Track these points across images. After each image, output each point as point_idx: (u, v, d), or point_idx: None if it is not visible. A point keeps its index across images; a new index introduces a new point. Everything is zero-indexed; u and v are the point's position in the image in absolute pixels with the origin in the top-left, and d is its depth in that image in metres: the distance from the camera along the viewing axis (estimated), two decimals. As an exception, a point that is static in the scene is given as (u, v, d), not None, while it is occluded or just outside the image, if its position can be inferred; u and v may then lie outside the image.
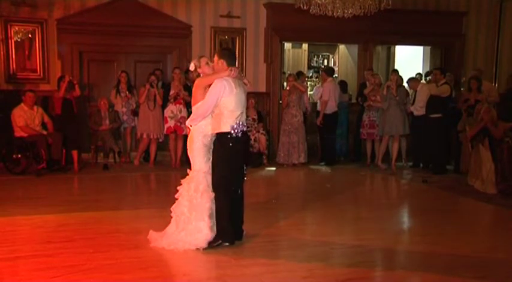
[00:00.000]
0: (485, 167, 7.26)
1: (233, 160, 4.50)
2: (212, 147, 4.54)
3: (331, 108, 9.37)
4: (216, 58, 4.61)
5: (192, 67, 4.69)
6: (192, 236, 4.37)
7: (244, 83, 4.73)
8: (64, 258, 4.14)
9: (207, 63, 4.63)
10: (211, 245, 4.40)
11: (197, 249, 4.35)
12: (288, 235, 4.94)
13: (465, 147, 8.38)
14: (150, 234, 4.56)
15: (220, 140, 4.48)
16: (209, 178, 4.50)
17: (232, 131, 4.45)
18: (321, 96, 9.49)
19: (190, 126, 4.58)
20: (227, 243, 4.46)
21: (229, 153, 4.47)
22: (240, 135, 4.49)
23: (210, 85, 4.49)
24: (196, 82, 4.61)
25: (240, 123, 4.51)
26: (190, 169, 4.61)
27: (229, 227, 4.49)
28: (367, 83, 9.70)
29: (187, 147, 4.64)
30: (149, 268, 3.98)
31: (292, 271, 3.99)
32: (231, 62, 4.61)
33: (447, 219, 5.78)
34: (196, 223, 4.41)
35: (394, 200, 7.35)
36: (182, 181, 4.62)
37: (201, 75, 4.65)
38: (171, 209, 4.58)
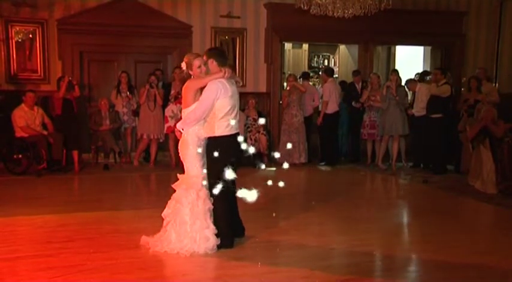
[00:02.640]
0: (485, 167, 7.25)
1: (229, 162, 4.43)
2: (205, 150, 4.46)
3: (332, 108, 9.39)
4: (205, 58, 4.48)
5: (183, 66, 4.51)
6: (197, 244, 4.30)
7: (236, 81, 4.67)
8: (64, 258, 4.15)
9: (199, 67, 4.43)
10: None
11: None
12: (288, 235, 4.94)
13: (465, 148, 8.38)
14: (142, 240, 4.47)
15: (216, 143, 4.40)
16: (206, 183, 4.43)
17: (228, 133, 4.41)
18: (322, 97, 9.53)
19: (182, 129, 4.42)
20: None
21: (225, 156, 4.37)
22: (235, 136, 4.45)
23: (202, 87, 4.38)
24: (187, 84, 4.45)
25: (235, 124, 4.48)
26: (183, 174, 4.52)
27: (229, 231, 4.48)
28: (357, 85, 9.75)
29: (181, 152, 4.49)
30: (149, 268, 3.98)
31: (292, 271, 4.00)
32: (222, 61, 4.51)
33: (447, 220, 5.78)
34: (202, 232, 4.32)
35: (395, 200, 7.34)
36: (174, 186, 4.51)
37: (192, 76, 4.51)
38: (164, 215, 4.48)
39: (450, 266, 4.19)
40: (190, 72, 4.49)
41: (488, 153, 7.30)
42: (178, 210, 4.37)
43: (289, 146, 6.16)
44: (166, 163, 9.19)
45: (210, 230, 4.36)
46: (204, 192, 4.39)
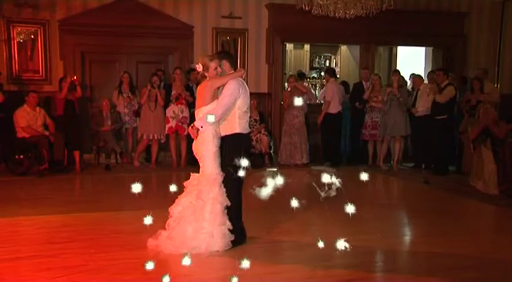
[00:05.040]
0: (487, 167, 7.25)
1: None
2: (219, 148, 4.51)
3: (335, 108, 9.37)
4: (216, 61, 4.53)
5: (199, 68, 4.55)
6: (214, 239, 4.31)
7: None
8: (66, 258, 4.15)
9: (216, 69, 4.48)
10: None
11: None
12: (290, 236, 4.94)
13: (467, 148, 8.37)
14: (149, 243, 4.43)
15: (235, 141, 4.47)
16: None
17: (245, 132, 4.54)
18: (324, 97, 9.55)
19: (201, 127, 4.42)
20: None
21: (242, 153, 4.44)
22: (249, 135, 4.65)
23: (218, 87, 4.46)
24: (207, 83, 4.48)
25: (248, 123, 4.64)
26: (198, 172, 4.52)
27: (242, 227, 4.55)
28: (365, 83, 9.71)
29: (198, 151, 4.49)
30: (150, 269, 3.97)
31: (294, 272, 3.99)
32: (233, 62, 4.67)
33: (449, 220, 5.77)
34: (220, 228, 4.34)
35: (396, 201, 7.34)
36: (187, 184, 4.50)
37: (207, 77, 4.55)
38: (172, 212, 4.45)
39: (451, 267, 4.18)
40: (206, 74, 4.54)
41: (490, 153, 7.29)
42: (197, 207, 4.36)
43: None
44: (167, 163, 9.19)
45: (227, 226, 4.39)
46: (223, 190, 4.43)
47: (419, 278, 4.00)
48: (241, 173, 4.36)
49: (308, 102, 9.79)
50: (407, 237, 5.33)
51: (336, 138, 9.59)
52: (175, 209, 4.47)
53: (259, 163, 9.17)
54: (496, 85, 10.58)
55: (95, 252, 4.30)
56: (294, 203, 3.82)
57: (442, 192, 7.43)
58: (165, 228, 4.50)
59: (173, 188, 4.19)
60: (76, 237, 4.74)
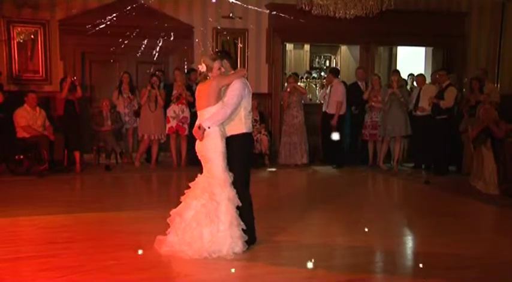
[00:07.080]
0: (487, 167, 7.24)
1: (250, 159, 4.61)
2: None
3: (344, 109, 9.35)
4: (219, 61, 4.51)
5: (203, 68, 4.49)
6: (234, 241, 4.29)
7: None
8: (66, 258, 4.15)
9: (219, 69, 4.45)
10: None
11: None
12: (290, 236, 4.94)
13: (467, 148, 8.37)
14: (164, 248, 4.34)
15: (242, 141, 4.50)
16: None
17: (250, 131, 4.56)
18: (325, 97, 9.52)
19: (208, 128, 4.36)
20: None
21: (248, 152, 4.60)
22: (252, 134, 4.69)
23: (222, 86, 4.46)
24: (211, 83, 4.41)
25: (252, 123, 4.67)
26: (201, 173, 4.49)
27: (254, 226, 4.55)
28: (360, 83, 9.69)
29: (206, 151, 4.42)
30: (151, 269, 3.97)
31: (295, 272, 3.99)
32: (233, 63, 4.68)
33: (449, 220, 5.77)
34: (236, 228, 4.32)
35: (396, 201, 7.34)
36: (204, 187, 4.41)
37: (209, 78, 4.51)
38: (191, 216, 4.32)
39: (451, 267, 4.18)
40: (209, 74, 4.49)
41: (490, 154, 7.29)
42: (211, 209, 4.30)
43: None
44: (167, 164, 9.20)
45: (241, 226, 4.37)
46: (234, 190, 4.40)
47: (419, 278, 4.00)
48: (246, 170, 4.41)
49: (303, 101, 9.79)
50: (408, 237, 5.34)
51: (341, 139, 9.55)
52: (187, 213, 4.35)
53: (260, 163, 9.18)
54: (496, 85, 10.58)
55: (96, 253, 4.30)
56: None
57: (442, 192, 7.43)
58: (165, 232, 4.45)
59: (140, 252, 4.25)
60: (76, 237, 4.74)
